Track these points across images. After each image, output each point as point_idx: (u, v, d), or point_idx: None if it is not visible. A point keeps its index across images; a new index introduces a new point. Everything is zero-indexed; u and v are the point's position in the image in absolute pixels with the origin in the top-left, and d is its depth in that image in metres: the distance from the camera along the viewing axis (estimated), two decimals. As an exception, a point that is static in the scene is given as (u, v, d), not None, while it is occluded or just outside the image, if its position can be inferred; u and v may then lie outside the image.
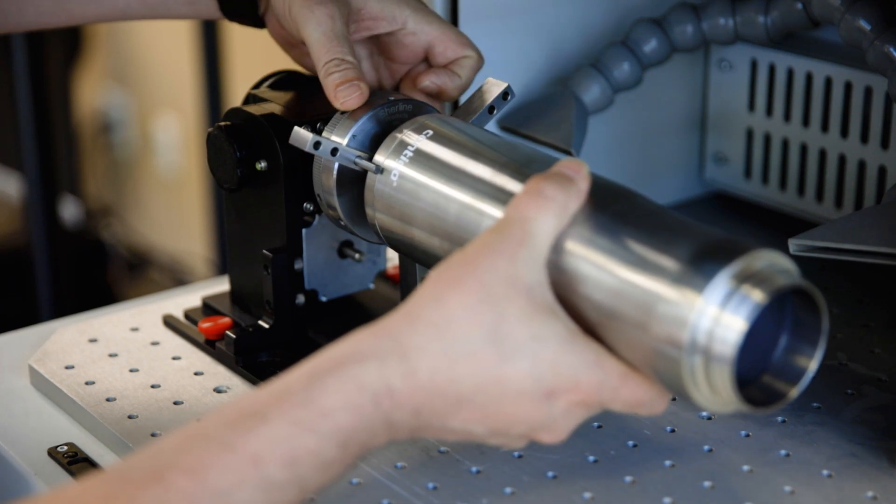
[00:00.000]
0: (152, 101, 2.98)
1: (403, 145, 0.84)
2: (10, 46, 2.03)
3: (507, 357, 0.70)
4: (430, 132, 0.84)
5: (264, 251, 0.94)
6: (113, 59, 3.07)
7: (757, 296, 0.68)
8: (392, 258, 1.00)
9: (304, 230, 0.95)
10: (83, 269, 2.66)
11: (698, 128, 1.20)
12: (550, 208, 0.72)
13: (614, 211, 0.73)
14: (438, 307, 0.70)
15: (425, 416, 0.70)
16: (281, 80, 0.97)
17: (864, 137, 1.07)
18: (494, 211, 0.78)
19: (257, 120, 0.92)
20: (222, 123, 0.94)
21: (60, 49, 2.66)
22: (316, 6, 0.89)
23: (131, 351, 0.98)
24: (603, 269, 0.72)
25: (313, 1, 0.89)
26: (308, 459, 0.67)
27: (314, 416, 0.68)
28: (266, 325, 0.95)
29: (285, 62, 1.00)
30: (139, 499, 0.64)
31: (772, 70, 1.12)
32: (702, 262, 0.69)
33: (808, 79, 1.09)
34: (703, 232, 0.71)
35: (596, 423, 0.87)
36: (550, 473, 0.82)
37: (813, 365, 0.72)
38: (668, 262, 0.70)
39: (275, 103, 0.94)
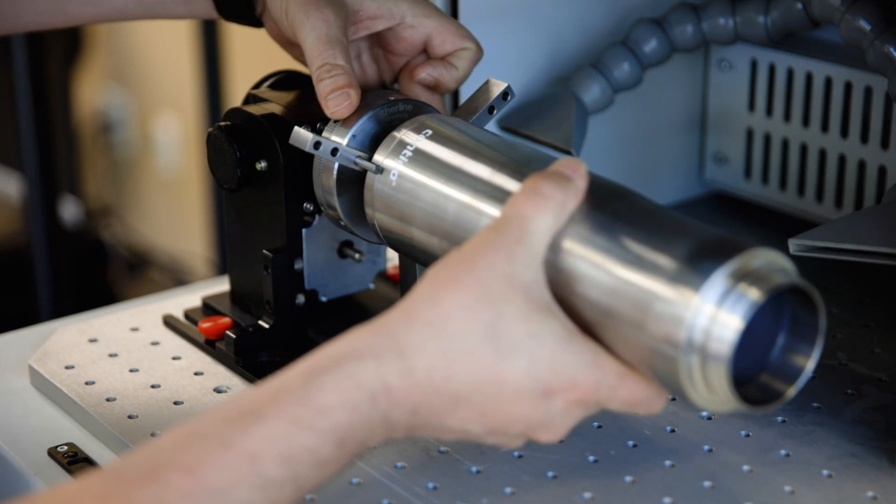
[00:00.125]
0: (152, 101, 2.98)
1: (403, 145, 0.84)
2: (10, 46, 2.03)
3: (504, 355, 0.70)
4: (430, 132, 0.84)
5: (264, 251, 0.94)
6: (113, 59, 3.07)
7: (754, 294, 0.68)
8: (392, 258, 1.00)
9: (304, 230, 0.95)
10: (83, 269, 2.66)
11: (698, 128, 1.20)
12: (548, 207, 0.72)
13: (612, 210, 0.74)
14: (436, 305, 0.70)
15: (422, 415, 0.70)
16: (281, 80, 0.97)
17: (864, 137, 1.07)
18: (493, 210, 0.78)
19: (257, 120, 0.92)
20: (222, 123, 0.94)
21: (60, 49, 2.66)
22: (311, 10, 0.89)
23: (131, 351, 0.98)
24: (600, 268, 0.72)
25: (309, 5, 0.89)
26: (305, 457, 0.67)
27: (311, 414, 0.68)
28: (266, 325, 0.95)
29: (285, 62, 1.00)
30: (136, 497, 0.64)
31: (772, 70, 1.12)
32: (699, 261, 0.69)
33: (808, 79, 1.09)
34: (700, 230, 0.71)
35: (596, 423, 0.87)
36: (550, 473, 0.82)
37: (810, 364, 0.72)
38: (664, 261, 0.70)
39: (275, 103, 0.94)
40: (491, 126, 0.96)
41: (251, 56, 2.19)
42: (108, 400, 0.92)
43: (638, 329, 0.70)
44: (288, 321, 0.96)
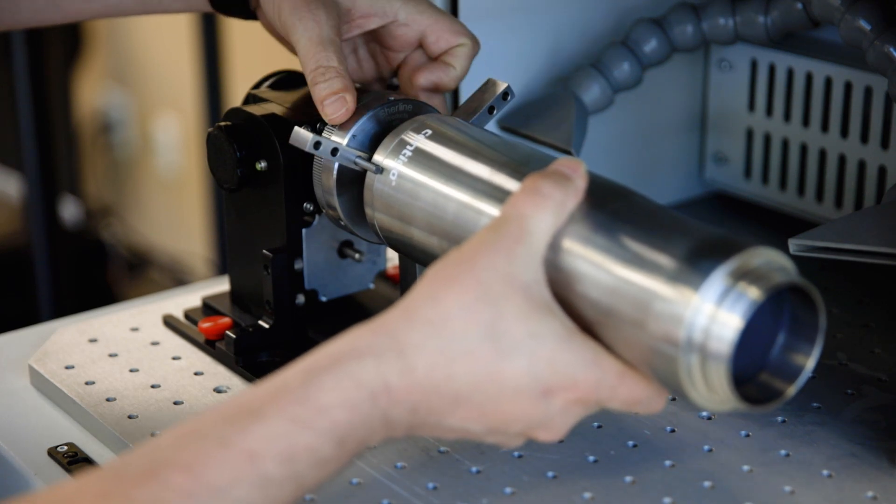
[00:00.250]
0: (152, 101, 2.98)
1: (402, 145, 0.84)
2: (10, 46, 2.03)
3: (504, 355, 0.70)
4: (429, 131, 0.84)
5: (264, 251, 0.94)
6: (113, 59, 3.07)
7: (753, 293, 0.68)
8: (392, 258, 1.00)
9: (304, 230, 0.95)
10: (83, 269, 2.66)
11: (698, 128, 1.20)
12: (548, 206, 0.72)
13: (611, 209, 0.74)
14: (435, 305, 0.70)
15: (422, 414, 0.70)
16: (281, 80, 0.97)
17: (864, 137, 1.07)
18: (492, 210, 0.78)
19: (257, 120, 0.92)
20: (222, 123, 0.94)
21: (60, 49, 2.66)
22: (303, 12, 0.88)
23: (131, 351, 0.98)
24: (600, 268, 0.72)
25: (300, 7, 0.89)
26: (305, 456, 0.67)
27: (311, 413, 0.68)
28: (266, 325, 0.95)
29: (285, 62, 1.00)
30: (135, 496, 0.64)
31: (772, 70, 1.12)
32: (698, 260, 0.69)
33: (808, 79, 1.09)
34: (700, 229, 0.71)
35: (596, 423, 0.87)
36: (550, 473, 0.82)
37: (810, 363, 0.72)
38: (664, 260, 0.70)
39: (275, 103, 0.94)
40: (491, 126, 0.96)
41: (251, 56, 2.19)
42: (108, 400, 0.92)
43: (638, 328, 0.70)
44: (288, 321, 0.96)
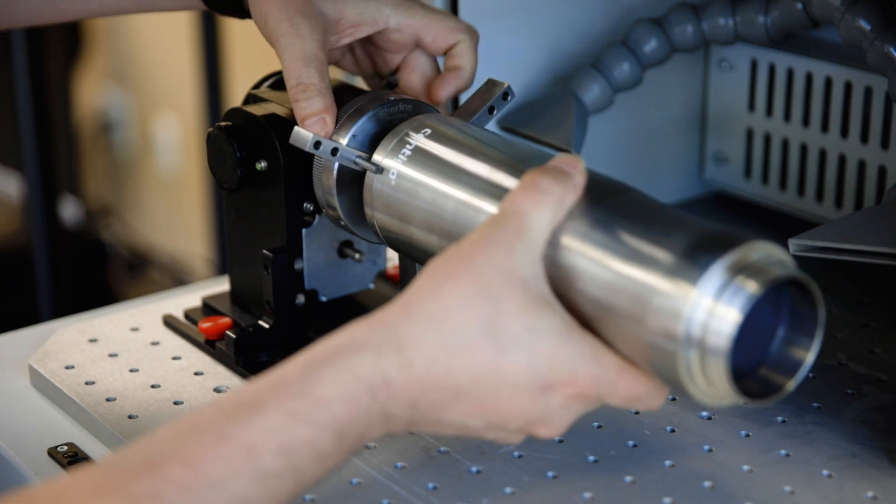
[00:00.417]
0: (152, 101, 2.99)
1: (402, 144, 0.84)
2: (10, 46, 2.03)
3: (503, 349, 0.70)
4: (429, 131, 0.84)
5: (264, 251, 0.94)
6: (113, 59, 3.07)
7: (751, 287, 0.68)
8: (392, 258, 1.00)
9: (304, 230, 0.95)
10: (83, 269, 2.66)
11: (698, 128, 1.20)
12: (547, 202, 0.72)
13: (610, 205, 0.74)
14: (435, 299, 0.70)
15: (422, 409, 0.70)
16: (281, 80, 0.97)
17: (864, 137, 1.07)
18: (491, 208, 0.78)
19: (257, 120, 0.92)
20: (222, 123, 0.94)
21: (60, 49, 2.66)
22: (286, 25, 0.88)
23: (131, 351, 0.98)
24: (598, 264, 0.72)
25: (284, 20, 0.88)
26: (304, 450, 0.67)
27: (310, 407, 0.67)
28: (266, 325, 0.95)
29: (285, 62, 1.00)
30: (133, 489, 0.64)
31: (772, 70, 1.12)
32: (696, 254, 0.69)
33: (808, 79, 1.09)
34: (698, 224, 0.71)
35: (596, 423, 0.87)
36: (550, 473, 0.82)
37: (810, 357, 0.72)
38: (662, 255, 0.70)
39: (275, 103, 0.94)
40: (491, 126, 0.96)
41: (251, 56, 2.19)
42: (108, 400, 0.92)
43: (636, 324, 0.70)
44: (288, 321, 0.96)
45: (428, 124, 0.85)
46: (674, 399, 0.89)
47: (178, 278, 2.85)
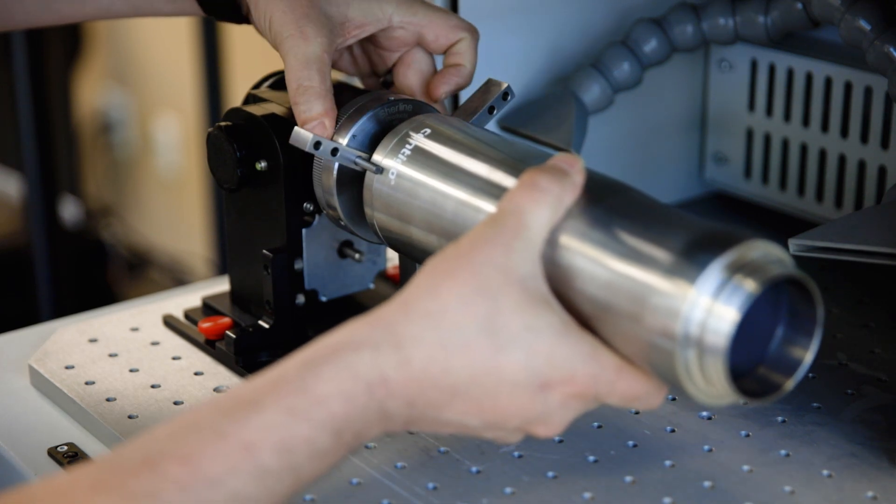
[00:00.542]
0: (152, 101, 2.99)
1: (401, 144, 0.84)
2: (10, 46, 2.03)
3: (501, 348, 0.70)
4: (428, 130, 0.84)
5: (264, 251, 0.94)
6: (113, 59, 3.07)
7: (750, 286, 0.68)
8: (392, 258, 1.00)
9: (304, 230, 0.95)
10: (83, 269, 2.66)
11: (698, 128, 1.20)
12: (545, 200, 0.72)
13: (608, 205, 0.73)
14: (433, 297, 0.70)
15: (420, 407, 0.70)
16: (281, 80, 0.97)
17: (864, 137, 1.07)
18: (490, 207, 0.78)
19: (257, 120, 0.92)
20: (222, 123, 0.94)
21: (60, 49, 2.66)
22: (291, 27, 0.88)
23: (131, 351, 0.98)
24: (597, 263, 0.72)
25: (289, 22, 0.88)
26: (302, 447, 0.67)
27: (308, 404, 0.67)
28: (266, 325, 0.95)
29: (285, 62, 1.00)
30: (131, 486, 0.64)
31: (772, 70, 1.12)
32: (695, 253, 0.69)
33: (808, 79, 1.09)
34: (697, 223, 0.71)
35: (596, 423, 0.87)
36: (550, 473, 0.82)
37: (809, 356, 0.72)
38: (661, 254, 0.70)
39: (275, 103, 0.94)
40: (491, 126, 0.96)
41: (251, 56, 2.19)
42: (108, 400, 0.92)
43: (635, 323, 0.70)
44: (288, 321, 0.96)
45: (428, 124, 0.85)
46: (674, 399, 0.89)
47: (178, 278, 2.85)
